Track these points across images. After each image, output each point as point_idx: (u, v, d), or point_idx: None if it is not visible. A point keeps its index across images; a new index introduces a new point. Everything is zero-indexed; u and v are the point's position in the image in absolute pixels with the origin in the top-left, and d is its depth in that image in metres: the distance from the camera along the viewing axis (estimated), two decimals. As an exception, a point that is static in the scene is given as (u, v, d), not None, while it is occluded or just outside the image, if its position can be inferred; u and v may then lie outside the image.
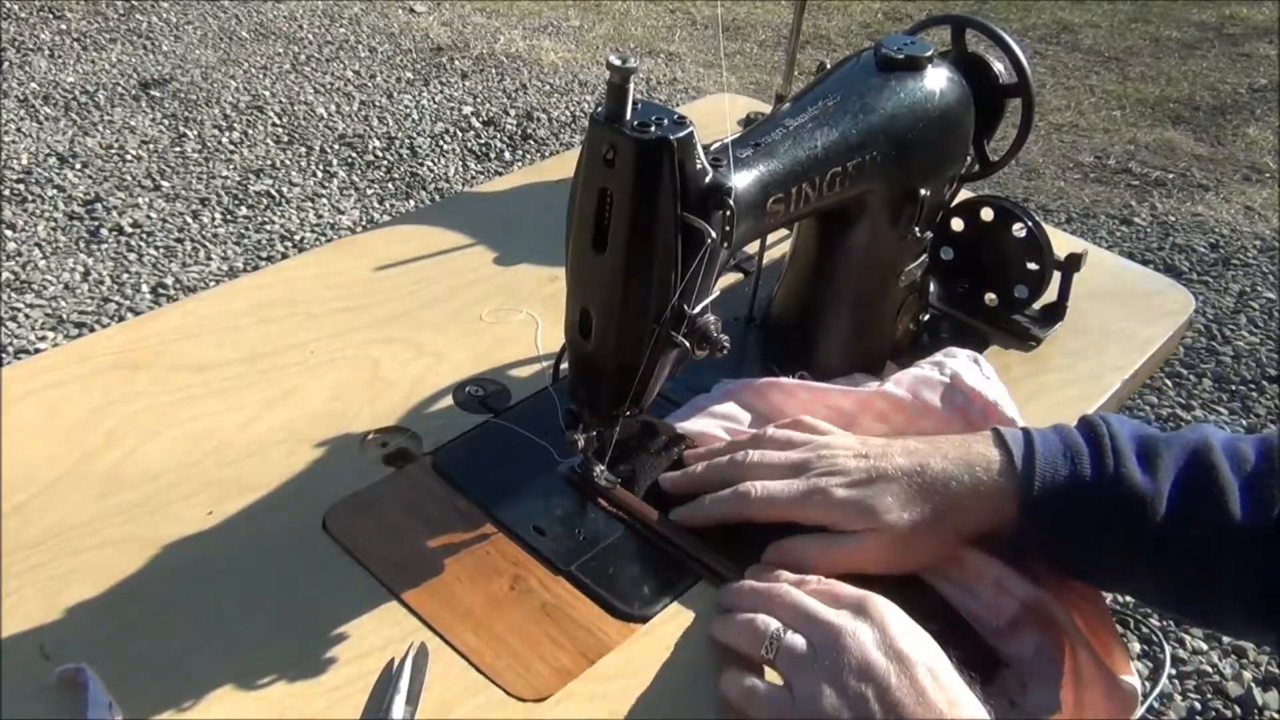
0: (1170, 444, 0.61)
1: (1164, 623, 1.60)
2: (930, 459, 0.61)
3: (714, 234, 0.59)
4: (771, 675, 0.57)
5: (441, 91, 3.12)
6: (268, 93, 3.02)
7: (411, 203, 2.57)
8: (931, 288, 0.88)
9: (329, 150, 2.76)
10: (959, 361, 0.73)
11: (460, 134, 2.88)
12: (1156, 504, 0.58)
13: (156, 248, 2.32)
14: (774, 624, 0.56)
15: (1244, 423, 2.00)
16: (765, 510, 0.63)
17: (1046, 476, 0.60)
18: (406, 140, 2.82)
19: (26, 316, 2.08)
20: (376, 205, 2.55)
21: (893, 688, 0.51)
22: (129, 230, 2.37)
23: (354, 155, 2.74)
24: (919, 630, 0.54)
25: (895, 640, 0.53)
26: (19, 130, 2.72)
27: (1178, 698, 1.51)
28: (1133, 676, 0.62)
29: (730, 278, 0.94)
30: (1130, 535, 0.59)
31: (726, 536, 0.66)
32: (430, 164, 2.73)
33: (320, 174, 2.66)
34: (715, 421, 0.74)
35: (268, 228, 2.42)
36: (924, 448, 0.62)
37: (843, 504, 0.61)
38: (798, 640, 0.54)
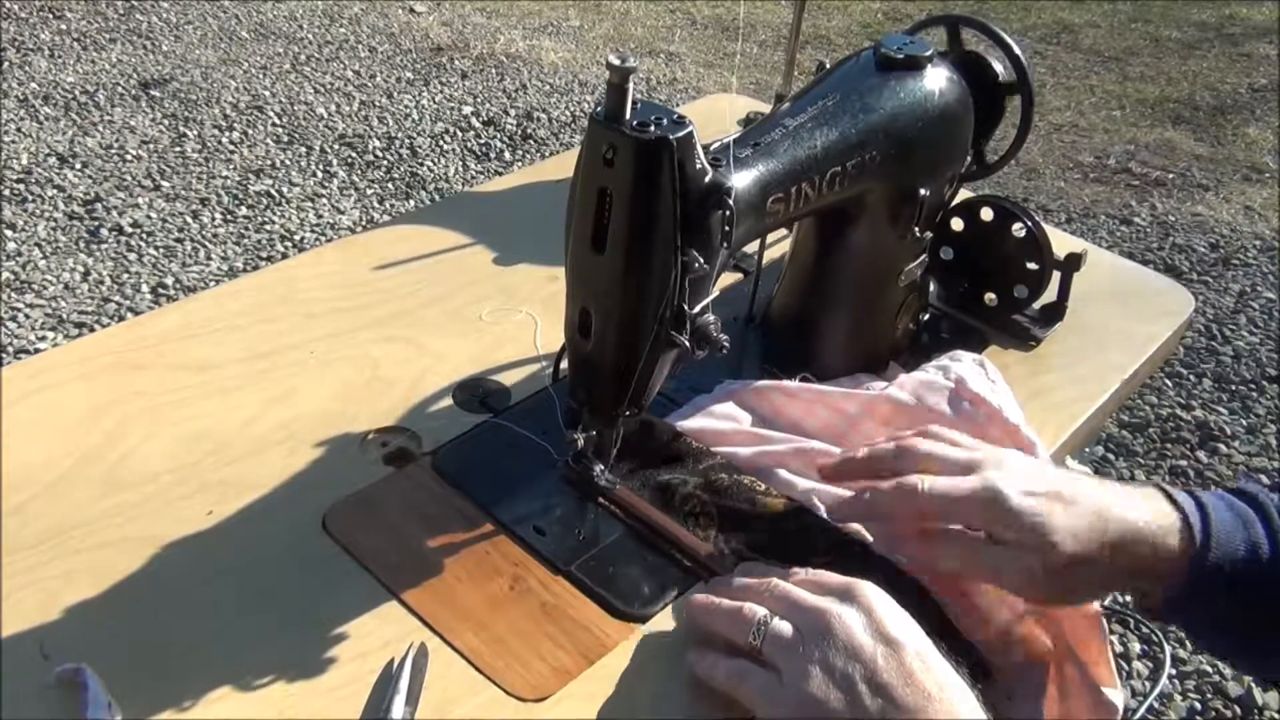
0: None
1: (1164, 623, 1.60)
2: (1110, 496, 0.58)
3: (714, 234, 0.59)
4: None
5: (441, 91, 3.12)
6: (268, 93, 3.02)
7: (411, 203, 2.57)
8: (931, 288, 0.88)
9: (329, 150, 2.76)
10: (964, 366, 0.73)
11: (460, 134, 2.88)
12: None
13: (156, 248, 2.32)
14: (761, 611, 0.55)
15: (1244, 422, 2.00)
16: (932, 505, 0.59)
17: (1222, 539, 0.57)
18: (406, 140, 2.82)
19: (26, 316, 2.08)
20: (376, 205, 2.55)
21: (881, 669, 0.51)
22: (129, 230, 2.37)
23: (354, 155, 2.74)
24: (906, 615, 0.54)
25: (883, 624, 0.53)
26: (19, 130, 2.72)
27: (1178, 698, 1.51)
28: (1117, 690, 0.62)
29: (730, 278, 0.94)
30: None
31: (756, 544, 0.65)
32: (430, 164, 2.73)
33: (320, 174, 2.65)
34: (716, 421, 0.74)
35: (268, 228, 2.42)
36: (1100, 486, 0.59)
37: (1016, 511, 0.57)
38: (784, 626, 0.54)
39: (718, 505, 0.68)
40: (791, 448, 0.71)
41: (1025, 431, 0.70)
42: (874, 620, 0.53)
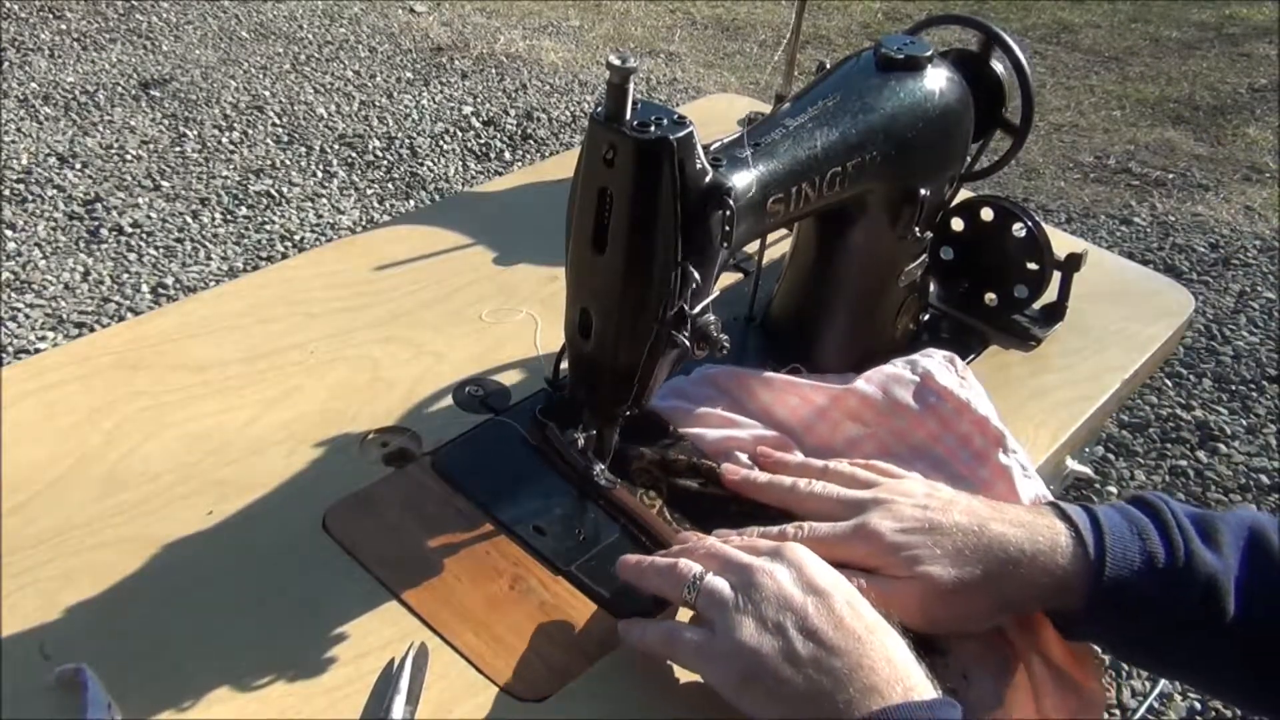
0: (1227, 522, 0.59)
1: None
2: (992, 521, 0.59)
3: (714, 234, 0.59)
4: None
5: (441, 91, 3.12)
6: (268, 93, 3.02)
7: (411, 203, 2.57)
8: (931, 288, 0.88)
9: (329, 150, 2.76)
10: (932, 361, 0.74)
11: (460, 134, 2.88)
12: (1227, 586, 0.56)
13: (156, 248, 2.32)
14: (695, 568, 0.57)
15: (1244, 422, 2.00)
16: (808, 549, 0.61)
17: (1117, 554, 0.57)
18: (406, 140, 2.82)
19: (26, 316, 2.08)
20: (376, 205, 2.55)
21: (811, 615, 0.53)
22: (129, 230, 2.37)
23: (354, 155, 2.74)
24: (833, 570, 0.56)
25: (811, 577, 0.55)
26: (19, 130, 2.72)
27: (1178, 698, 1.51)
28: (1097, 688, 0.62)
29: (730, 278, 0.94)
30: (1206, 620, 0.57)
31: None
32: (430, 164, 2.73)
33: (320, 174, 2.65)
34: (689, 402, 0.75)
35: (268, 228, 2.42)
36: (986, 510, 0.61)
37: (889, 548, 0.59)
38: (719, 581, 0.56)
39: (669, 484, 0.70)
40: (752, 434, 0.72)
41: (995, 423, 0.71)
42: (804, 574, 0.55)
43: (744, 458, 0.71)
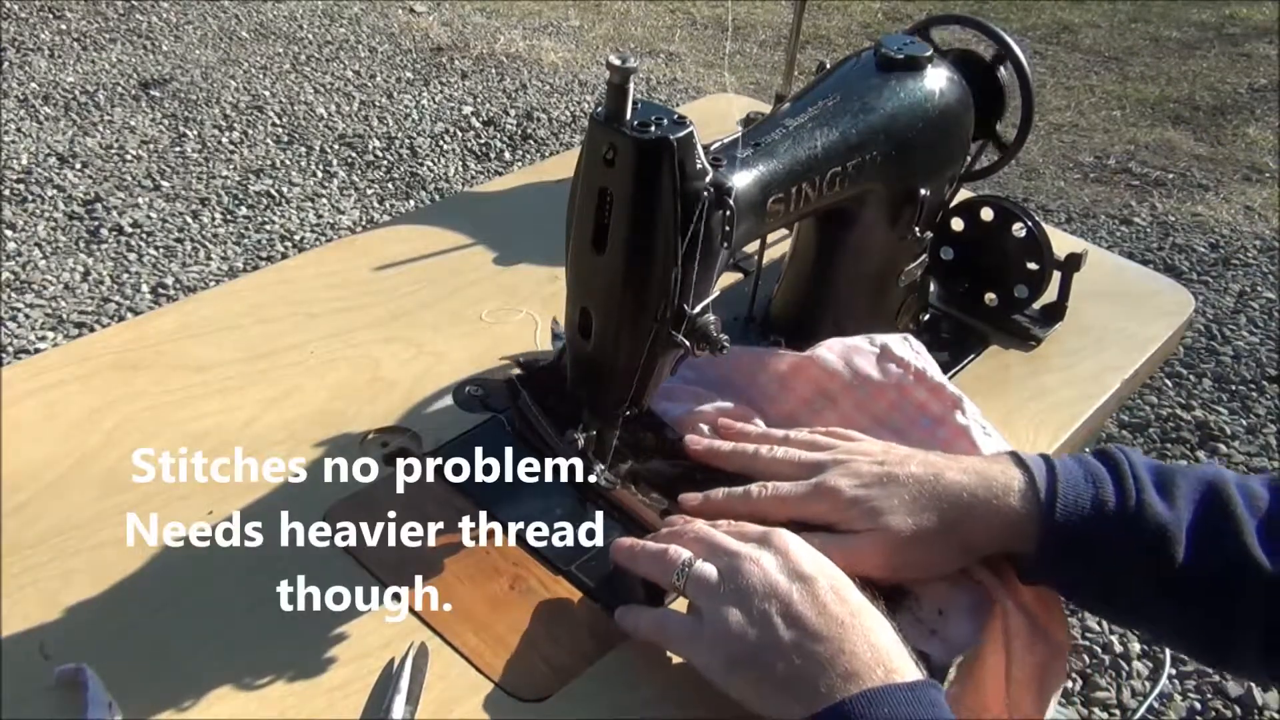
0: (1186, 475, 0.60)
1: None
2: (946, 470, 0.61)
3: (714, 234, 0.59)
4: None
5: (441, 91, 3.12)
6: (268, 93, 3.02)
7: (411, 203, 2.57)
8: (931, 288, 0.88)
9: (329, 150, 2.76)
10: (888, 337, 0.75)
11: (460, 134, 2.88)
12: (1177, 535, 0.58)
13: (156, 248, 2.32)
14: (685, 554, 0.58)
15: (1244, 422, 2.00)
16: (771, 508, 0.64)
17: (1069, 499, 0.59)
18: (406, 140, 2.82)
19: (26, 316, 2.08)
20: (376, 205, 2.55)
21: (795, 602, 0.53)
22: (129, 230, 2.37)
23: (354, 155, 2.74)
24: (820, 555, 0.57)
25: (797, 563, 0.55)
26: (19, 130, 2.72)
27: (1178, 698, 1.51)
28: (1063, 631, 0.63)
29: (730, 278, 0.94)
30: (1153, 566, 0.58)
31: None
32: (430, 164, 2.73)
33: (320, 174, 2.65)
34: (668, 384, 0.75)
35: (268, 228, 2.42)
36: (942, 461, 0.63)
37: (848, 503, 0.61)
38: (707, 568, 0.57)
39: (636, 463, 0.71)
40: (715, 407, 0.73)
41: (950, 389, 0.72)
42: (789, 561, 0.56)
43: (706, 429, 0.72)
